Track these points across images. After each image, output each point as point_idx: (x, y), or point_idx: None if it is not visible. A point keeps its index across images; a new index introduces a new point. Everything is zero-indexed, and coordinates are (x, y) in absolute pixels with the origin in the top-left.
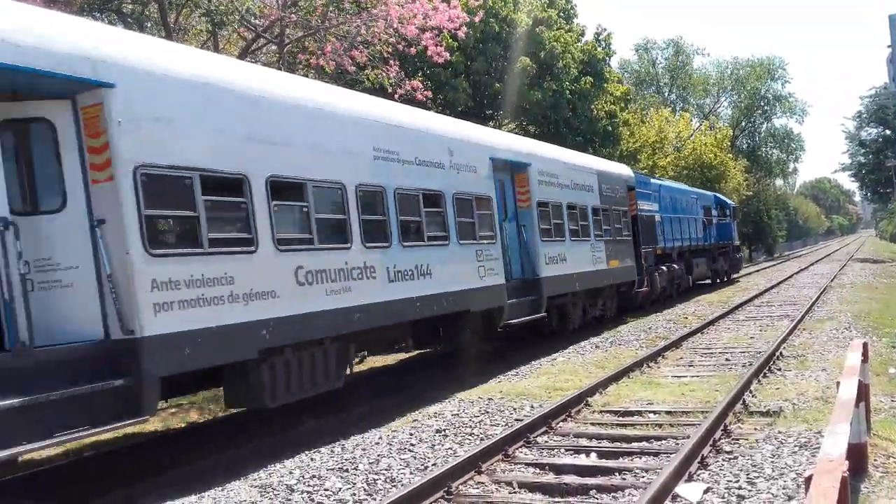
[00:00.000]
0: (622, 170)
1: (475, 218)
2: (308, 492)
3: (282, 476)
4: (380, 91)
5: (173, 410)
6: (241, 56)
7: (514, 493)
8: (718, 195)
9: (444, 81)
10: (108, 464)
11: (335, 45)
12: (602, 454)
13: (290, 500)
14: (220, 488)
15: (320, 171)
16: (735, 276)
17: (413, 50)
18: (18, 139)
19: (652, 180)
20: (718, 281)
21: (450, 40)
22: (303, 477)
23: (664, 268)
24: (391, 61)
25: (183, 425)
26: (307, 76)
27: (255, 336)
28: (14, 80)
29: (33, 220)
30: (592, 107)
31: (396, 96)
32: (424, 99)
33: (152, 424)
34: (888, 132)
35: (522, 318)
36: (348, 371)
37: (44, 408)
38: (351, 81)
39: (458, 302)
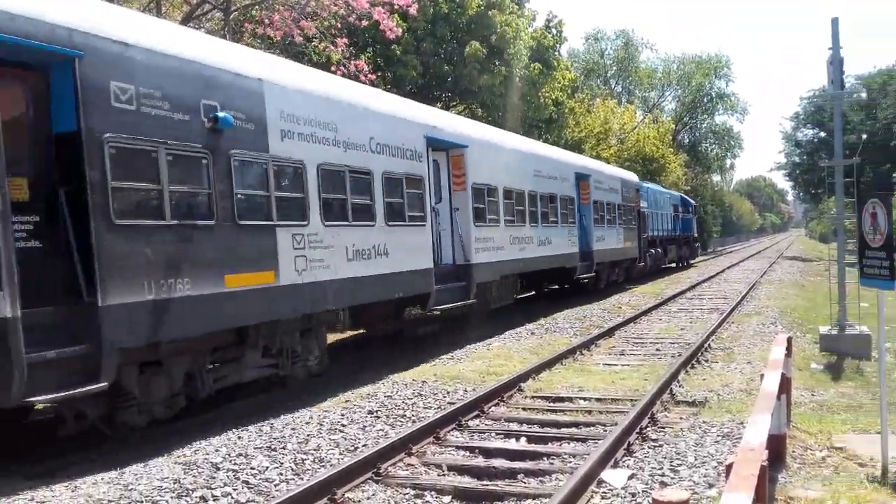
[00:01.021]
0: (633, 177)
1: (567, 210)
2: (234, 470)
3: (207, 454)
4: (325, 66)
5: None
6: (184, 22)
7: (443, 475)
8: (684, 196)
9: (394, 58)
10: (27, 433)
11: (283, 14)
12: (532, 439)
13: (214, 477)
14: (143, 464)
15: (519, 184)
16: (692, 261)
17: (363, 23)
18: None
19: (643, 184)
20: (681, 265)
21: (400, 20)
22: (229, 455)
23: (652, 251)
24: (339, 38)
25: None
26: (253, 46)
27: (497, 268)
28: (432, 144)
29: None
30: (540, 94)
31: (339, 73)
32: (368, 82)
33: None
34: (823, 134)
35: (583, 275)
36: (515, 296)
37: (446, 290)
38: (297, 54)
39: (561, 261)
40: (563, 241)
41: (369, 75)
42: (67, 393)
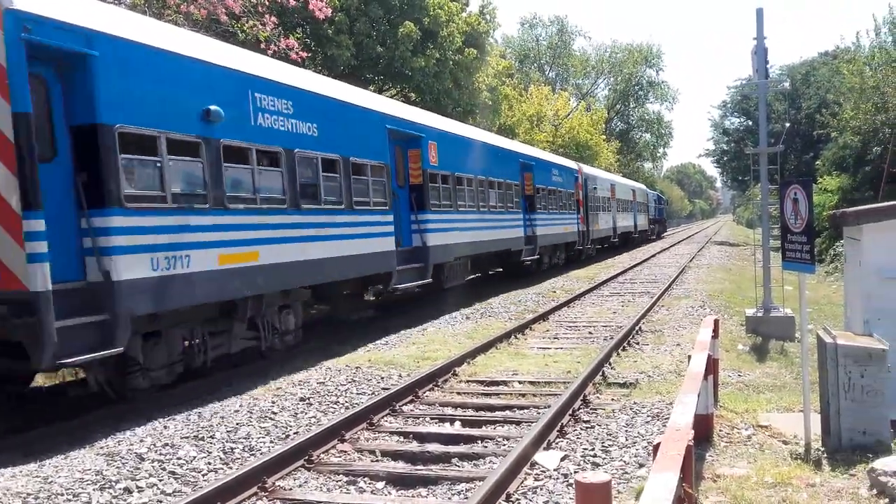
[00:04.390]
0: (643, 186)
1: (630, 207)
2: (159, 460)
3: (131, 444)
4: (255, 45)
5: None
6: None
7: (377, 461)
8: (659, 193)
9: (327, 37)
10: None
11: None
12: (466, 423)
13: (139, 468)
14: (63, 456)
15: (624, 196)
16: (664, 234)
17: (292, 2)
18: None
19: (647, 190)
20: (657, 237)
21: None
22: (154, 445)
23: (651, 226)
24: (267, 15)
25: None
26: (176, 23)
27: (621, 228)
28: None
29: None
30: (474, 79)
31: (270, 52)
32: (299, 59)
33: None
34: (749, 122)
35: (634, 235)
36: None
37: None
38: (223, 33)
39: (629, 228)
40: (630, 220)
41: (300, 53)
42: None
